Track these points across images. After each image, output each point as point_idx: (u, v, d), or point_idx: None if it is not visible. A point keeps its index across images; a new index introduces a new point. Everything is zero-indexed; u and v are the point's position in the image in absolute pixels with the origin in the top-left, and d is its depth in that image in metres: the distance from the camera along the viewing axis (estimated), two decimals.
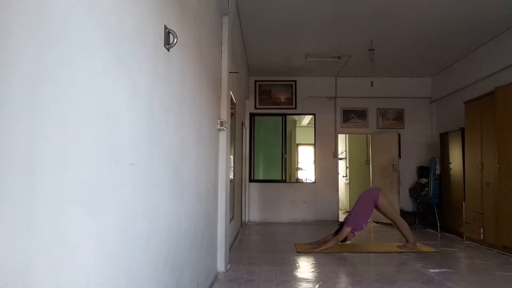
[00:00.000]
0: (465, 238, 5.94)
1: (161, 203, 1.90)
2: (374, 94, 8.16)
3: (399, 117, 8.46)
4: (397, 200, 7.58)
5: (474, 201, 5.71)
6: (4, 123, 0.83)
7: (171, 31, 1.96)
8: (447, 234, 6.72)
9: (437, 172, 7.36)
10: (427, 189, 7.64)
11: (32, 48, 0.92)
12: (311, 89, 8.42)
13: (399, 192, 7.70)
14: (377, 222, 7.86)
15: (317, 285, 3.48)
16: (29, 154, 0.91)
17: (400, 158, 7.99)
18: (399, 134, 8.14)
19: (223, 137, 4.00)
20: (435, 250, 5.16)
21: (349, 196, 10.23)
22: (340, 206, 9.26)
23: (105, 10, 1.28)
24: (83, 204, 1.14)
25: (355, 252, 5.04)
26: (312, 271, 4.04)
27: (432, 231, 7.10)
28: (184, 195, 2.39)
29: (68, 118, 1.06)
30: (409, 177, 8.22)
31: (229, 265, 4.15)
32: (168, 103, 2.00)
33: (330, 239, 5.28)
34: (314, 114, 8.55)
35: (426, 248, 5.25)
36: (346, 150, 10.70)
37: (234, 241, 5.65)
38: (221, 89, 4.04)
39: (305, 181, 9.66)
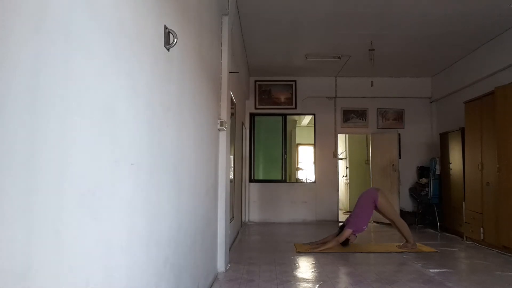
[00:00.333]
0: (465, 238, 5.94)
1: (161, 203, 1.90)
2: (374, 94, 8.16)
3: (399, 117, 8.46)
4: (397, 200, 7.57)
5: (474, 201, 5.71)
6: (4, 123, 0.83)
7: (171, 31, 1.96)
8: (447, 234, 6.72)
9: (437, 172, 7.36)
10: (427, 189, 7.64)
11: (32, 48, 0.92)
12: (311, 89, 8.41)
13: (399, 192, 7.70)
14: (377, 222, 7.86)
15: (317, 285, 3.48)
16: (29, 154, 0.91)
17: (400, 158, 7.99)
18: (399, 134, 8.14)
19: (223, 137, 4.00)
20: (435, 250, 5.16)
21: (349, 196, 10.24)
22: (340, 206, 9.27)
23: (105, 10, 1.28)
24: (83, 204, 1.14)
25: (355, 252, 5.04)
26: (312, 271, 4.04)
27: (432, 231, 7.10)
28: (184, 195, 2.39)
29: (68, 118, 1.06)
30: (409, 177, 8.22)
31: (229, 265, 4.15)
32: (168, 103, 2.00)
33: (330, 239, 5.28)
34: (314, 114, 8.55)
35: (426, 248, 5.25)
36: (346, 150, 10.70)
37: (234, 241, 5.66)
38: (221, 89, 4.04)
39: (305, 181, 9.66)
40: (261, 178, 8.56)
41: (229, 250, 4.56)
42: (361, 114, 8.47)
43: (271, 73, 8.20)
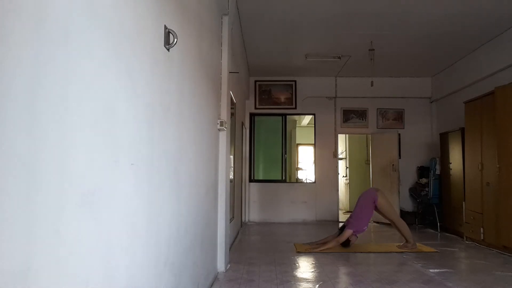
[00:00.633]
0: (465, 238, 5.94)
1: (161, 203, 1.90)
2: (374, 94, 8.16)
3: (399, 117, 8.46)
4: (397, 200, 7.57)
5: (474, 201, 5.71)
6: (4, 123, 0.83)
7: (171, 31, 1.96)
8: (447, 234, 6.72)
9: (437, 172, 7.36)
10: (427, 189, 7.64)
11: (32, 48, 0.92)
12: (311, 89, 8.42)
13: (399, 192, 7.70)
14: (377, 222, 7.86)
15: (317, 285, 3.48)
16: (29, 154, 0.91)
17: (400, 158, 7.99)
18: (399, 134, 8.14)
19: (223, 137, 4.00)
20: (435, 250, 5.16)
21: (349, 196, 10.24)
22: (340, 206, 9.27)
23: (105, 10, 1.28)
24: (83, 204, 1.14)
25: (355, 252, 5.04)
26: (312, 271, 4.04)
27: (432, 231, 7.10)
28: (184, 195, 2.39)
29: (68, 118, 1.06)
30: (409, 177, 8.22)
31: (229, 265, 4.15)
32: (168, 103, 2.00)
33: (330, 240, 5.28)
34: (314, 114, 8.55)
35: (426, 248, 5.25)
36: (346, 150, 10.70)
37: (234, 241, 5.65)
38: (221, 89, 4.04)
39: (305, 181, 9.66)
40: (261, 178, 8.56)
41: (229, 250, 4.56)
42: (361, 114, 8.47)
43: (271, 73, 8.20)
